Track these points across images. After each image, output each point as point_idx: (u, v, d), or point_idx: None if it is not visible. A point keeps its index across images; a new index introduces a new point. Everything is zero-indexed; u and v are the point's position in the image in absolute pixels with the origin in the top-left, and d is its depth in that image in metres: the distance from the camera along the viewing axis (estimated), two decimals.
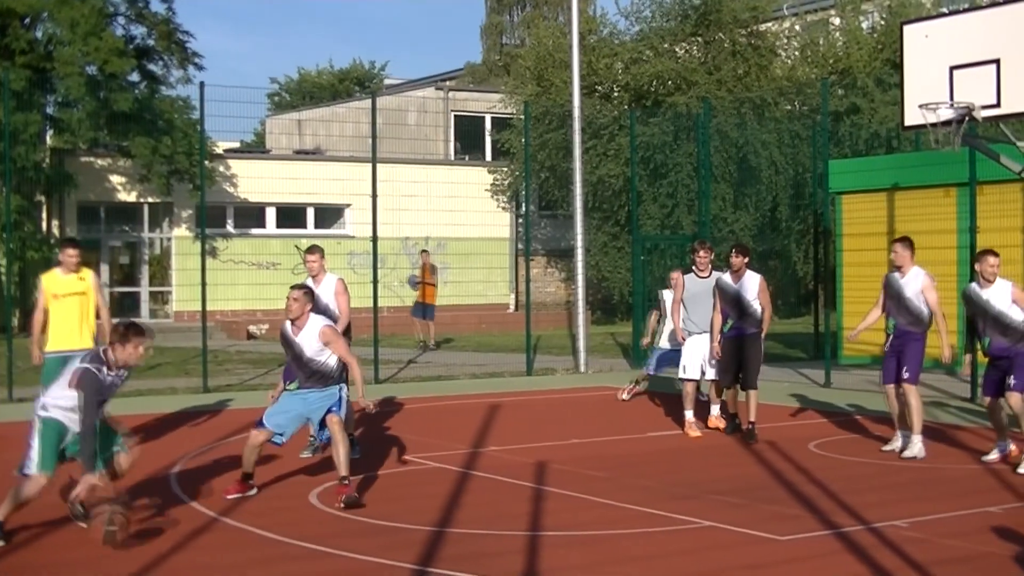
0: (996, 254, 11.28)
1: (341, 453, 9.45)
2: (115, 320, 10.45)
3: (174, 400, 16.41)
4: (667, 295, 15.32)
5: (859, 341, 12.18)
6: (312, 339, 9.66)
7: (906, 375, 11.82)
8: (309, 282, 12.07)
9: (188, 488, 10.00)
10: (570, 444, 13.00)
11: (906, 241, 12.14)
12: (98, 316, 11.92)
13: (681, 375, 13.78)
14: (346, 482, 9.42)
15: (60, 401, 8.34)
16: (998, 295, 11.09)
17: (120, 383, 8.58)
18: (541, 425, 14.79)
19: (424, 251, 27.68)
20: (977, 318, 11.24)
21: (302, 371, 9.69)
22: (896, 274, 12.02)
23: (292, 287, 9.91)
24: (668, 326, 15.32)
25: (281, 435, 9.77)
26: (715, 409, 13.88)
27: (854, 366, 19.05)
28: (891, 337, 12.01)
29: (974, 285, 11.31)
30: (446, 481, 10.58)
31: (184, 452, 12.05)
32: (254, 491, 9.87)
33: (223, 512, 9.20)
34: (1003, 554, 7.94)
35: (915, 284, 11.87)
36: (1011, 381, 10.89)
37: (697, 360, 13.57)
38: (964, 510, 9.29)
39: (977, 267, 11.38)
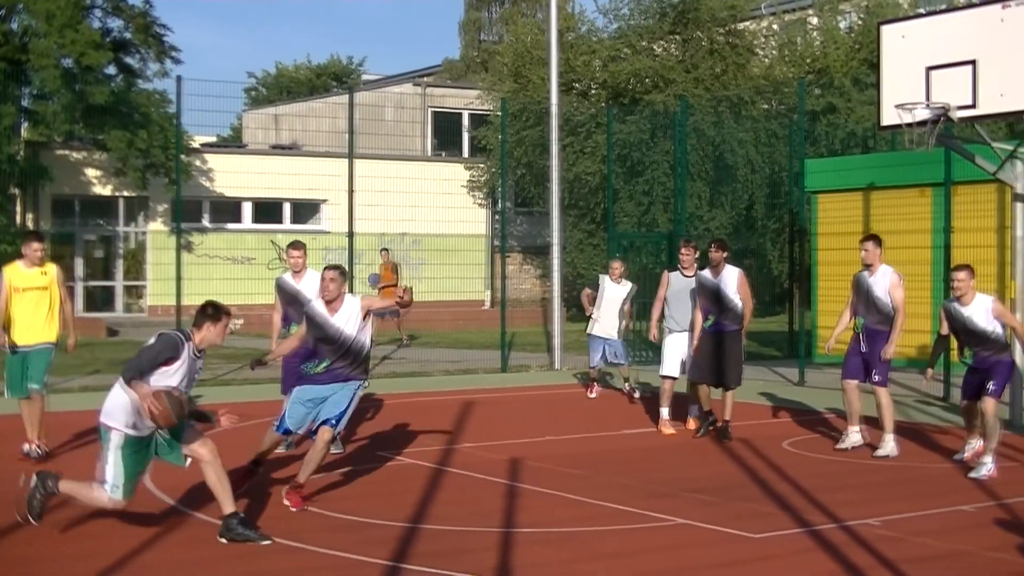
0: (965, 268, 11.18)
1: (315, 461, 9.33)
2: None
3: None
4: (606, 279, 16.19)
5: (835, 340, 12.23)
6: (354, 316, 9.46)
7: (876, 377, 11.88)
8: (288, 276, 12.03)
9: (161, 483, 9.91)
10: (545, 441, 13.01)
11: (876, 239, 12.17)
12: (61, 310, 11.81)
13: (661, 372, 13.79)
14: (299, 487, 9.30)
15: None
16: (979, 312, 11.00)
17: (201, 370, 8.45)
18: (516, 422, 14.80)
19: (384, 249, 27.13)
20: (958, 333, 11.25)
21: (337, 352, 9.45)
22: (865, 273, 12.06)
23: (325, 268, 9.62)
24: (603, 314, 16.15)
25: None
26: (693, 410, 13.83)
27: (828, 365, 19.08)
28: (860, 335, 12.05)
29: (954, 303, 11.20)
30: (420, 477, 10.56)
31: None
32: (260, 469, 9.80)
33: (197, 507, 9.15)
34: (976, 552, 7.99)
35: (883, 282, 11.91)
36: (990, 387, 10.91)
37: (677, 358, 13.58)
38: (937, 508, 9.35)
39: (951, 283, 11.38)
